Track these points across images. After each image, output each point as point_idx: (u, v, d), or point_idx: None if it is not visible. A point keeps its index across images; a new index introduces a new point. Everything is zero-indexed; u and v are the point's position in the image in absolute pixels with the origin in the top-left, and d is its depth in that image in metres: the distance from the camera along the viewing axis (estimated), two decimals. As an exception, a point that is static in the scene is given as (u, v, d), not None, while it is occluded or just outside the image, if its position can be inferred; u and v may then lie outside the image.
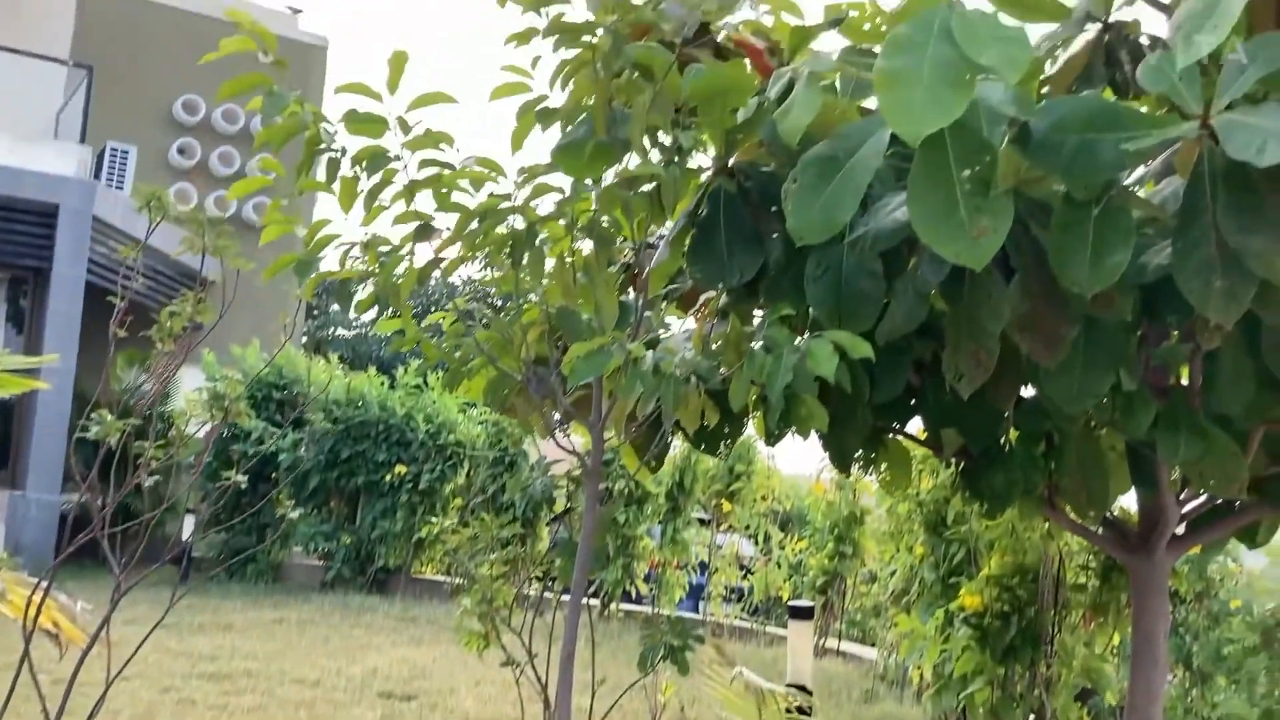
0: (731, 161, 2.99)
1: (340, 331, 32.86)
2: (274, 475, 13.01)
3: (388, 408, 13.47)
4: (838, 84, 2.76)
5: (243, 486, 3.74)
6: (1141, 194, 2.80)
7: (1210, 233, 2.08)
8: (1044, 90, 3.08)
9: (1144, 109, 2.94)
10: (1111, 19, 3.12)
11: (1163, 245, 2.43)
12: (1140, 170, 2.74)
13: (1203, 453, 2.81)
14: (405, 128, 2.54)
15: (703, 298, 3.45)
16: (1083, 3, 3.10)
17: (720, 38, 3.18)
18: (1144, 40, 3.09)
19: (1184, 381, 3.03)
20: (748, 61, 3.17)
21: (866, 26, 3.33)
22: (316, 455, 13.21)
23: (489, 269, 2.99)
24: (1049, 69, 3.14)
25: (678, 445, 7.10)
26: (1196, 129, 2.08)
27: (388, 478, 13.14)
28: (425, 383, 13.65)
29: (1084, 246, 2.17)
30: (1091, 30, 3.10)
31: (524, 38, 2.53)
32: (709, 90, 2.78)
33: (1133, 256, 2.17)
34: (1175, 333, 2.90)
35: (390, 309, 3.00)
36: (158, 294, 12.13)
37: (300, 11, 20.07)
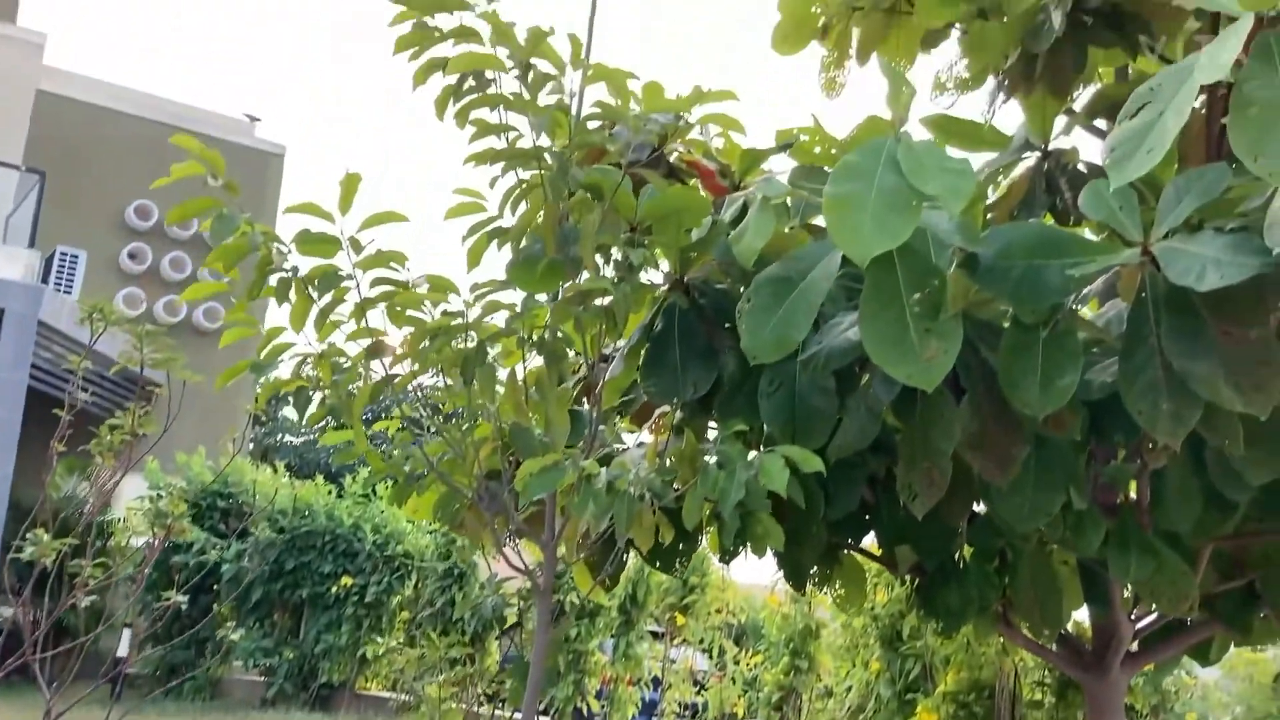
0: (686, 278, 3.03)
1: (288, 438, 32.36)
2: (216, 587, 12.61)
3: (335, 517, 13.18)
4: (789, 202, 2.83)
5: (184, 606, 3.61)
6: (1087, 313, 2.87)
7: (1155, 356, 2.12)
8: (989, 215, 3.18)
9: (1088, 233, 3.04)
10: (1051, 147, 3.23)
11: (1108, 362, 2.48)
12: (1086, 289, 2.81)
13: (1153, 571, 2.82)
14: (357, 247, 2.55)
15: (656, 412, 3.45)
16: (1022, 131, 3.21)
17: (673, 159, 3.25)
18: (1083, 167, 3.20)
19: (1134, 498, 3.06)
20: (699, 182, 3.24)
21: (816, 150, 3.43)
22: (260, 566, 12.85)
23: (442, 381, 2.97)
24: (992, 195, 3.24)
25: (631, 558, 7.01)
26: (1138, 255, 2.14)
27: (333, 590, 12.78)
28: (374, 492, 13.42)
29: (1034, 369, 2.20)
30: (1032, 158, 3.21)
31: (481, 159, 2.57)
32: (663, 210, 2.82)
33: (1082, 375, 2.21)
34: (1122, 451, 2.93)
35: (340, 421, 2.96)
36: (103, 399, 11.90)
37: (258, 120, 20.27)
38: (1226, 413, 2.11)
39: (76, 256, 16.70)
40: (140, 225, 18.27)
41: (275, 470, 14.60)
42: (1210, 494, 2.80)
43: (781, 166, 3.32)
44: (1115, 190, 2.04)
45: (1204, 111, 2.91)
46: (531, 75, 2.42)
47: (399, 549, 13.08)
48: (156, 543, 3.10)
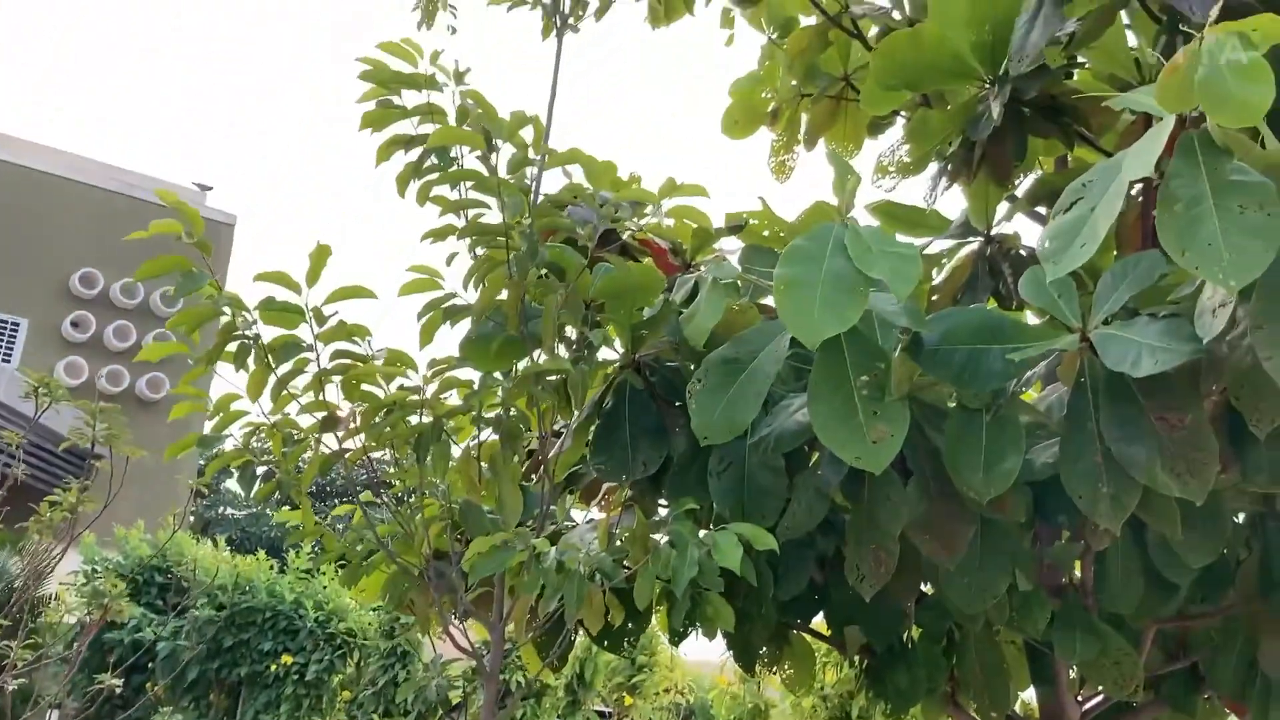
0: (638, 356, 3.05)
1: (230, 511, 31.66)
2: (150, 665, 12.20)
3: (276, 593, 12.86)
4: (739, 283, 2.87)
5: (119, 689, 3.49)
6: (1031, 395, 2.93)
7: (1094, 441, 2.17)
8: (933, 298, 3.25)
9: (1031, 317, 3.12)
10: (993, 232, 3.33)
11: (1050, 443, 2.53)
12: (1029, 373, 2.87)
13: (1098, 652, 2.85)
14: (321, 319, 2.54)
15: (605, 488, 3.44)
16: (964, 215, 3.31)
17: (626, 237, 3.30)
18: (1024, 252, 3.30)
19: (1079, 580, 3.09)
20: (651, 259, 3.28)
21: (765, 233, 3.50)
22: (198, 645, 12.47)
23: (395, 460, 2.95)
24: (937, 278, 3.32)
25: (579, 636, 6.92)
26: (1076, 341, 2.20)
27: (272, 668, 12.42)
28: (318, 568, 13.14)
29: (978, 452, 2.24)
30: (975, 242, 3.30)
31: (440, 234, 2.58)
32: (617, 288, 2.85)
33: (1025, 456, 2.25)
34: (1066, 532, 2.97)
35: (288, 498, 2.91)
36: (39, 471, 11.59)
37: (210, 188, 20.20)
38: (1163, 497, 2.15)
39: (18, 324, 16.40)
40: (85, 293, 18.00)
41: (216, 545, 14.26)
42: (1152, 576, 2.85)
43: (733, 245, 3.39)
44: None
45: (1139, 199, 3.02)
46: (503, 156, 2.44)
47: (341, 626, 12.79)
48: (92, 624, 3.00)
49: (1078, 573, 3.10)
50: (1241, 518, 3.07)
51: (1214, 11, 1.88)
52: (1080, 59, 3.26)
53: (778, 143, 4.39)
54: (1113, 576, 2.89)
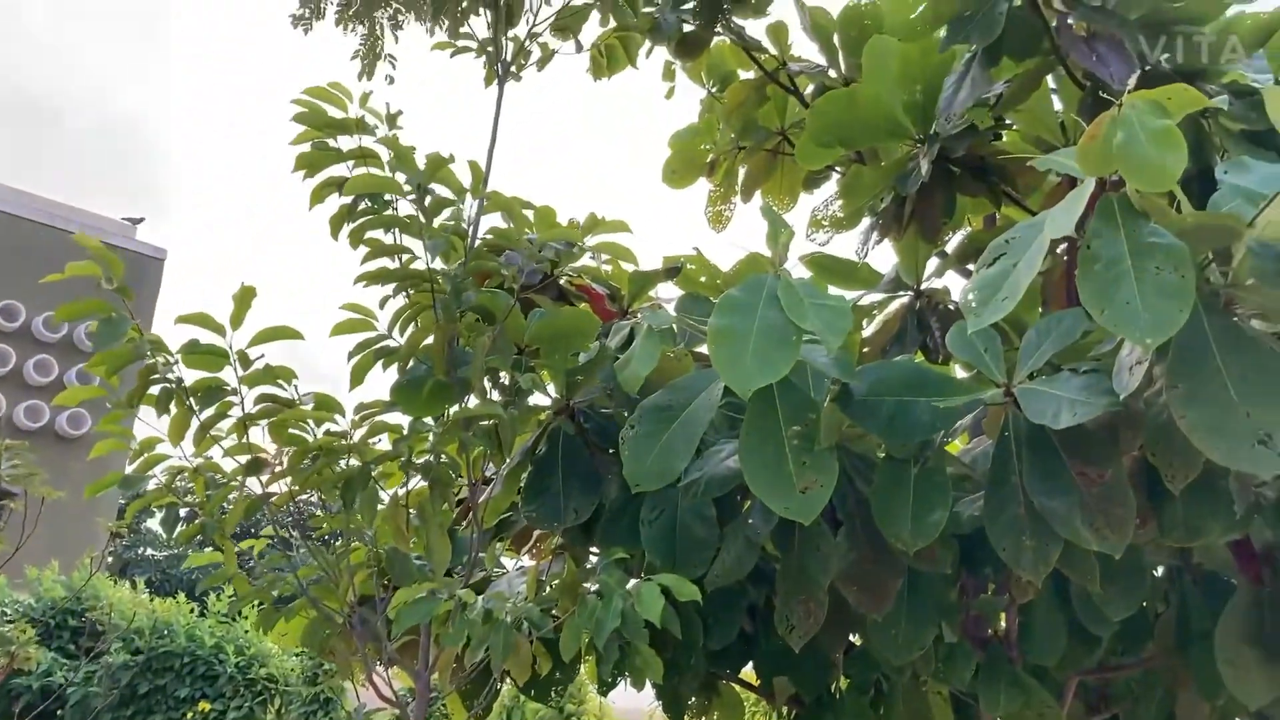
0: (572, 402, 3.04)
1: (150, 552, 30.74)
2: (60, 712, 11.73)
3: (196, 638, 12.48)
4: (675, 329, 2.89)
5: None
6: (958, 445, 2.97)
7: (1018, 493, 2.21)
8: (864, 350, 3.30)
9: (960, 370, 3.18)
10: (923, 286, 3.40)
11: (976, 495, 2.56)
12: (957, 424, 2.92)
13: (1022, 704, 2.87)
14: (245, 362, 2.50)
15: (536, 535, 3.41)
16: (895, 270, 3.37)
17: (563, 282, 3.30)
18: (953, 307, 3.36)
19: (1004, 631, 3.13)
20: (588, 305, 3.29)
21: (702, 279, 3.54)
22: (111, 691, 12.03)
23: (319, 502, 2.89)
24: (867, 330, 3.37)
25: (507, 685, 6.81)
26: (1000, 395, 2.24)
27: (189, 716, 12.02)
28: (240, 612, 12.79)
29: (905, 504, 2.27)
30: (905, 296, 3.36)
31: (374, 278, 2.56)
32: (551, 333, 2.85)
33: (951, 508, 2.28)
34: (992, 585, 3.01)
35: (210, 539, 2.84)
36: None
37: (141, 220, 19.85)
38: (1084, 551, 2.19)
39: (-67, 356, 15.88)
40: (6, 326, 17.52)
41: (135, 586, 13.83)
42: (1075, 628, 2.89)
43: (670, 293, 3.41)
44: (979, 332, 2.15)
45: (1065, 257, 3.11)
46: (429, 200, 2.44)
47: (262, 672, 12.45)
48: (-3, 669, 2.89)
49: (1004, 624, 3.14)
50: (1160, 571, 3.14)
51: (1132, 81, 1.96)
52: (1010, 121, 3.36)
53: (715, 193, 4.45)
54: (1037, 628, 2.92)
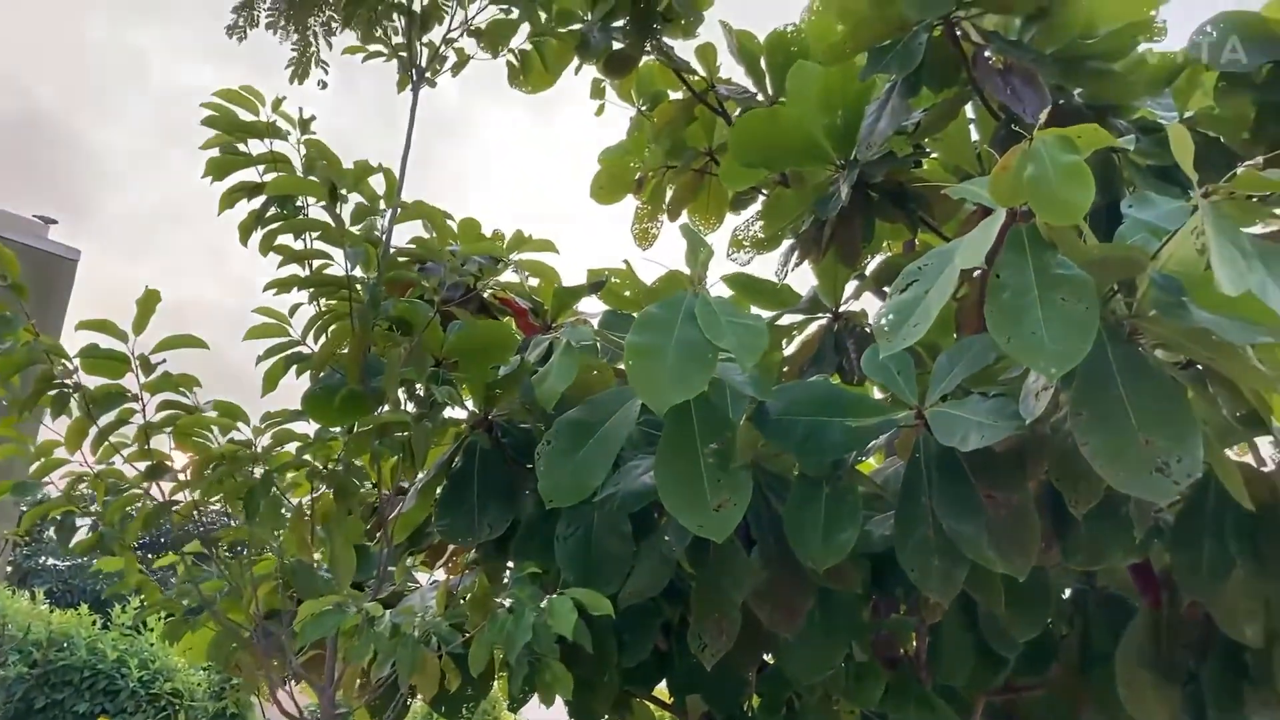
0: (490, 416, 3.02)
1: (51, 561, 29.69)
2: (-53, 729, 11.26)
3: (97, 650, 12.08)
4: (598, 344, 2.89)
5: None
6: (872, 463, 3.01)
7: (927, 515, 2.24)
8: (784, 370, 3.33)
9: (877, 392, 3.22)
10: (841, 309, 3.45)
11: (888, 515, 2.60)
12: (871, 444, 2.96)
13: (930, 724, 2.90)
14: (148, 368, 2.43)
15: (451, 550, 3.37)
16: (814, 292, 3.42)
17: (486, 295, 3.28)
18: (869, 330, 3.41)
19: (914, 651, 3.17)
20: (512, 320, 3.27)
21: (627, 293, 3.54)
22: (4, 705, 11.57)
23: (226, 512, 2.82)
24: (788, 350, 3.40)
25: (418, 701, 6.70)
26: (912, 417, 2.28)
27: (87, 732, 11.62)
28: (145, 624, 12.41)
29: (817, 522, 2.28)
30: (824, 318, 3.41)
31: (285, 285, 2.52)
32: (470, 346, 2.83)
33: (863, 528, 2.30)
34: (904, 605, 3.05)
35: (111, 549, 2.75)
36: None
37: (54, 221, 19.22)
38: (990, 572, 2.23)
39: None
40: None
41: (34, 597, 13.34)
42: (982, 649, 2.94)
43: (597, 307, 3.41)
44: (893, 355, 2.18)
45: (981, 283, 3.17)
46: (347, 206, 2.41)
47: (167, 686, 12.09)
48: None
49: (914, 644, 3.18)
50: (1069, 593, 3.21)
51: (1044, 115, 2.01)
52: (929, 149, 3.43)
53: (642, 210, 4.46)
54: (945, 649, 2.96)
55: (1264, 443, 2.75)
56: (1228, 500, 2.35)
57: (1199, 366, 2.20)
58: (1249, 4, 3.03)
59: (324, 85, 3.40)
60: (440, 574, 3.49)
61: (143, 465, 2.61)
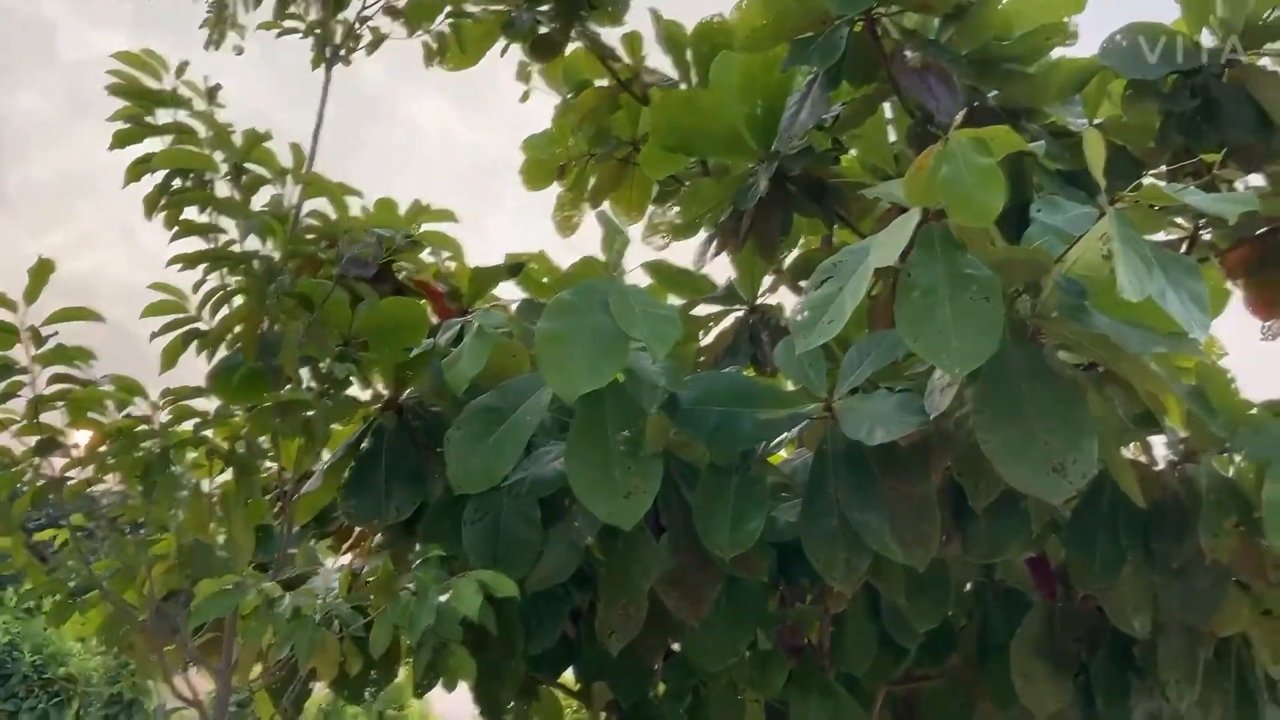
0: (400, 398, 2.97)
1: (-55, 539, 28.52)
2: None
3: (-12, 634, 11.66)
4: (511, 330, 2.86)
5: None
6: (784, 454, 3.03)
7: (832, 506, 2.26)
8: (701, 360, 3.34)
9: (790, 384, 3.25)
10: (758, 301, 3.47)
11: (795, 503, 2.62)
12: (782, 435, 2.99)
13: (832, 713, 2.95)
14: (38, 340, 2.33)
15: (358, 533, 3.32)
16: (731, 283, 3.43)
17: (402, 276, 3.23)
18: (784, 323, 3.44)
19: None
20: (428, 303, 3.22)
21: (545, 280, 3.51)
22: (-115, 689, 11.10)
23: (121, 489, 2.73)
24: (705, 340, 3.41)
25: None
26: (820, 410, 2.30)
27: (-24, 717, 11.22)
28: (38, 607, 12.00)
29: (725, 511, 2.30)
30: (740, 310, 3.43)
31: (190, 260, 2.44)
32: (379, 324, 2.78)
33: (770, 516, 2.32)
34: (809, 595, 3.08)
35: (-1, 526, 2.64)
36: None
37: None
38: (892, 563, 2.27)
39: None
40: None
41: (-80, 577, 12.81)
42: (884, 639, 2.99)
43: (514, 294, 3.37)
44: (805, 349, 2.20)
45: (894, 280, 3.22)
46: (245, 179, 2.34)
47: (61, 671, 11.72)
48: None
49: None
50: (970, 586, 3.28)
51: (959, 116, 2.04)
52: (847, 145, 3.46)
53: (564, 197, 4.43)
54: (849, 638, 3.01)
55: (1157, 442, 2.85)
56: (1121, 497, 2.43)
57: (1099, 368, 2.27)
58: (1159, 15, 3.12)
59: (240, 51, 3.29)
60: (347, 558, 3.43)
61: (32, 440, 2.51)
